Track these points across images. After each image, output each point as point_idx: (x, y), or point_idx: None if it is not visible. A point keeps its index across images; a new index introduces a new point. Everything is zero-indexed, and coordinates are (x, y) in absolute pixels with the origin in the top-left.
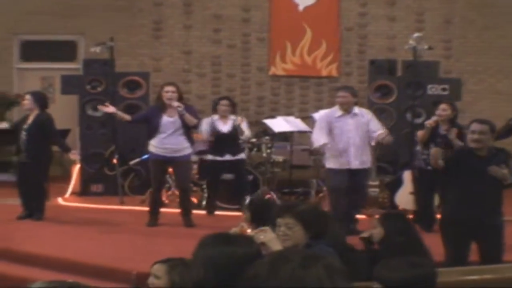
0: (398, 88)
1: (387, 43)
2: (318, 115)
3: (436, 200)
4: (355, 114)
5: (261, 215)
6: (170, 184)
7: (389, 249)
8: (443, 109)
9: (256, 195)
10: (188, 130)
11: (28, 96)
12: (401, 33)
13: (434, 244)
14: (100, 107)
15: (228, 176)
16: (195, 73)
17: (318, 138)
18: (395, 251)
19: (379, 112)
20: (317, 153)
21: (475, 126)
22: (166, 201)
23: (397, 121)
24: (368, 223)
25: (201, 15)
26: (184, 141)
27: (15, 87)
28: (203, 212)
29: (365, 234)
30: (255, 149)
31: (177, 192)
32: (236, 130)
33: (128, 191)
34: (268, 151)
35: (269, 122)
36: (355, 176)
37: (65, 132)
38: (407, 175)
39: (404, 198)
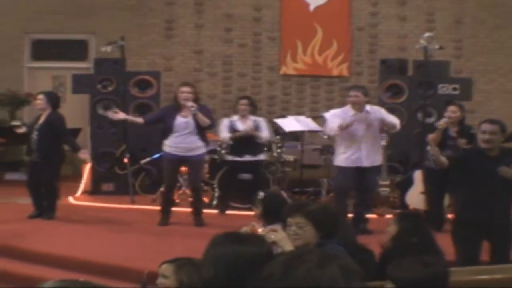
0: (409, 87)
1: (398, 42)
2: (330, 114)
3: (446, 200)
4: (367, 113)
5: (273, 210)
6: (181, 184)
7: (402, 248)
8: (452, 111)
9: (268, 190)
10: (202, 130)
11: (41, 96)
12: (412, 33)
13: (444, 243)
14: (110, 115)
15: (245, 176)
16: (206, 73)
17: (332, 127)
18: (408, 250)
19: (390, 112)
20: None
21: (485, 126)
22: (177, 200)
23: (408, 121)
24: (378, 223)
25: (213, 14)
26: (198, 141)
27: (25, 86)
28: (214, 211)
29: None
30: (265, 148)
31: (188, 192)
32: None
33: (139, 190)
34: (279, 150)
35: (280, 121)
36: (365, 175)
37: (76, 131)
38: (417, 175)
39: (415, 197)
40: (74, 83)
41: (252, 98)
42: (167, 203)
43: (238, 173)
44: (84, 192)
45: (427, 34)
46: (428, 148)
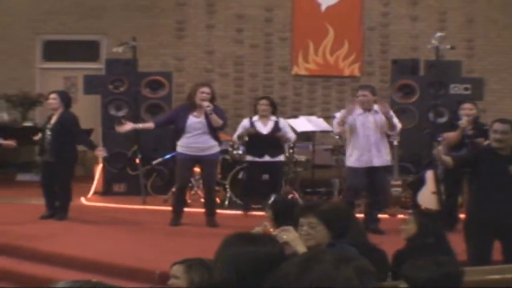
0: (420, 87)
1: (410, 42)
2: (339, 113)
3: (459, 199)
4: (376, 112)
5: (284, 215)
6: (193, 184)
7: (418, 248)
8: (469, 109)
9: (279, 194)
10: (214, 130)
11: (54, 95)
12: (424, 33)
13: (455, 243)
14: (118, 128)
15: (264, 176)
16: (217, 73)
17: (334, 124)
18: (424, 251)
19: (401, 112)
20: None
21: (497, 126)
22: (189, 201)
23: (419, 121)
24: (390, 223)
25: (224, 15)
26: (211, 140)
27: (37, 87)
28: (226, 211)
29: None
30: (290, 150)
31: (200, 192)
32: (277, 131)
33: (150, 190)
34: (291, 151)
35: (291, 122)
36: (375, 174)
37: (87, 132)
38: (429, 175)
39: (427, 197)
40: (85, 83)
41: (272, 98)
42: (179, 203)
43: (259, 174)
44: (96, 192)
45: (438, 34)
46: (439, 148)
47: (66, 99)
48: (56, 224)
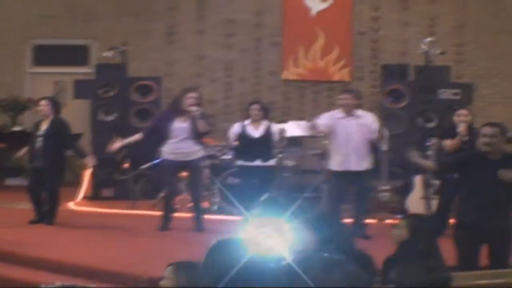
0: (410, 92)
1: (400, 47)
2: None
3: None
4: (358, 116)
5: (271, 218)
6: (181, 189)
7: (409, 253)
8: (465, 115)
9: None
10: (198, 135)
11: (45, 102)
12: (414, 38)
13: (444, 248)
14: (108, 148)
15: (254, 181)
16: (207, 78)
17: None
18: (414, 256)
19: (391, 117)
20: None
21: (486, 130)
22: (177, 206)
23: (409, 126)
24: (379, 228)
25: (214, 20)
26: (196, 145)
27: (27, 92)
28: (215, 216)
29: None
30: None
31: (188, 197)
32: (269, 136)
33: (139, 195)
34: (280, 155)
35: (281, 126)
36: (357, 179)
37: (77, 137)
38: (418, 180)
39: (415, 202)
40: (75, 88)
41: (264, 103)
42: (168, 209)
43: (249, 179)
44: (85, 197)
45: (428, 39)
46: (429, 152)
47: (56, 105)
48: (45, 229)
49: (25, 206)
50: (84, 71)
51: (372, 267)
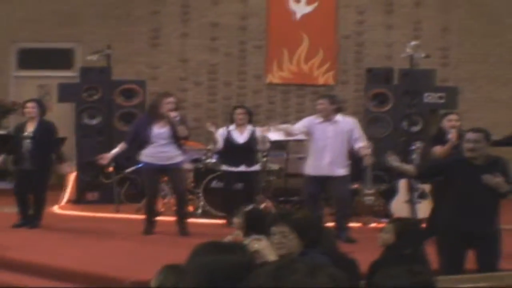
0: (394, 96)
1: (384, 51)
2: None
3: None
4: (336, 122)
5: (256, 225)
6: (166, 192)
7: (395, 258)
8: (456, 120)
9: (251, 204)
10: (178, 139)
11: (32, 104)
12: (399, 41)
13: (428, 252)
14: (99, 162)
15: (238, 186)
16: (191, 81)
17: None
18: (400, 261)
19: (375, 121)
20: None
21: (469, 135)
22: (162, 209)
23: (393, 130)
24: (362, 231)
25: (198, 23)
26: (175, 149)
27: (11, 95)
28: (199, 220)
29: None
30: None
31: (173, 200)
32: (253, 141)
33: (124, 199)
34: (264, 159)
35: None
36: (332, 184)
37: (61, 140)
38: (402, 184)
39: (399, 206)
40: (60, 92)
41: (248, 107)
42: (151, 213)
43: (234, 184)
44: (69, 201)
45: (413, 43)
46: (414, 156)
47: (42, 107)
48: (29, 233)
49: (10, 210)
50: (68, 75)
51: (356, 270)
